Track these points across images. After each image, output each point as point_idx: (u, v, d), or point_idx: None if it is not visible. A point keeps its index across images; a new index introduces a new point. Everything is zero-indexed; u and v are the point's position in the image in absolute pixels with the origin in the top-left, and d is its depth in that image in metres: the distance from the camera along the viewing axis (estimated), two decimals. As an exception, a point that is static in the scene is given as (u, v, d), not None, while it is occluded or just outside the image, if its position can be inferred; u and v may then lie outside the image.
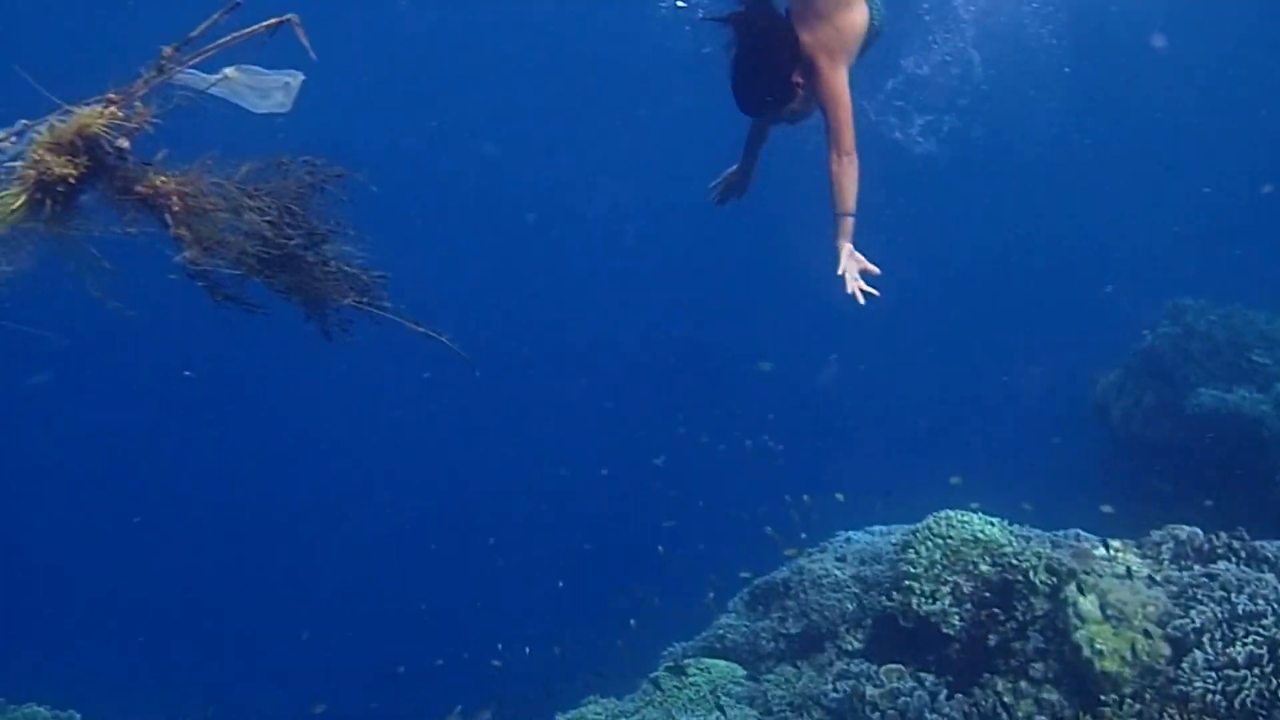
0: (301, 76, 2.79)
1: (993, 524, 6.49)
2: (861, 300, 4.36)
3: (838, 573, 7.54)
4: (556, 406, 23.26)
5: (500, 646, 11.93)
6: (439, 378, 20.60)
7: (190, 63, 2.76)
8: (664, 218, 25.59)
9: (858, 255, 4.50)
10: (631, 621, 10.68)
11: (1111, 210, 26.30)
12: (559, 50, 22.92)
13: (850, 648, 7.17)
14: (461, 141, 25.10)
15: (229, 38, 2.74)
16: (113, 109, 2.84)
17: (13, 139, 3.07)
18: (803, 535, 8.54)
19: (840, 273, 4.44)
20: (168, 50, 2.80)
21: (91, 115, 2.86)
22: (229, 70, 2.78)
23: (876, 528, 8.11)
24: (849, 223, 4.56)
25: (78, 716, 9.32)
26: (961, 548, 6.35)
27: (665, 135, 23.62)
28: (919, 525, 6.62)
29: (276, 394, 23.76)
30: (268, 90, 2.79)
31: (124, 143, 2.84)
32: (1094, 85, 22.81)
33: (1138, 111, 25.01)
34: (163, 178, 2.87)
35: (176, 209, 2.84)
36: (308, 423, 23.70)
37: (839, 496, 9.17)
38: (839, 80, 4.73)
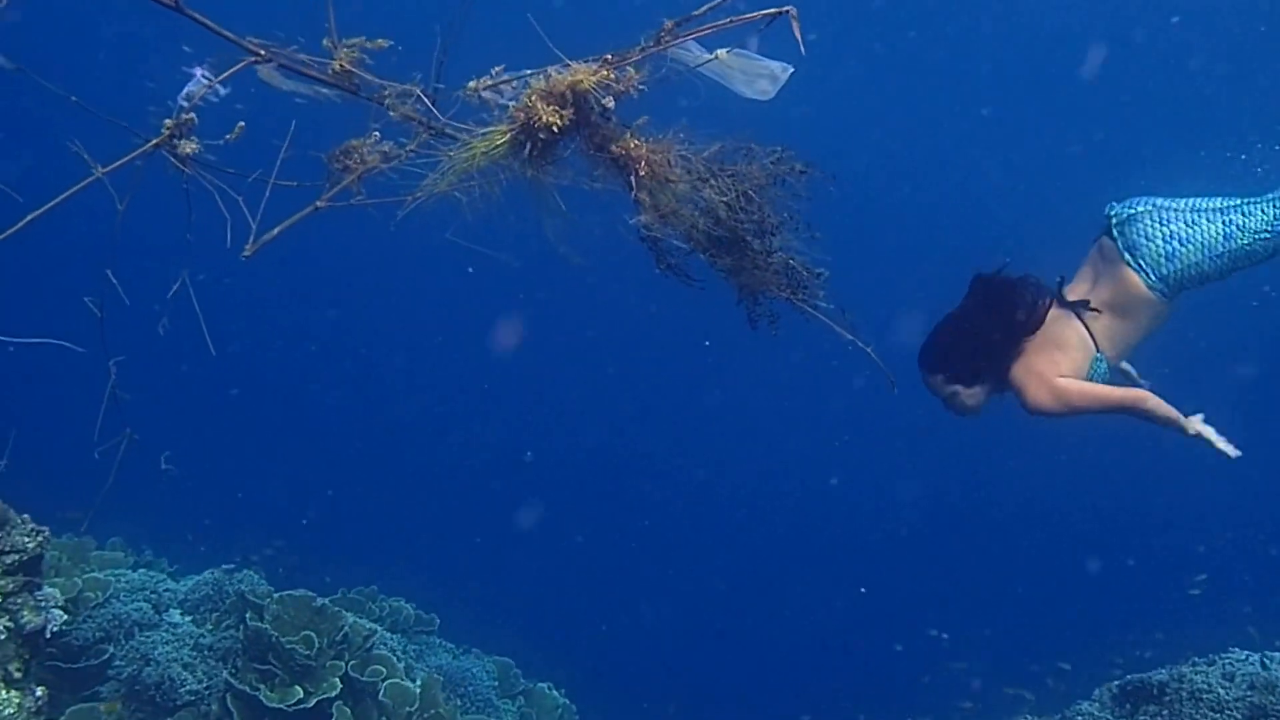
0: (790, 69, 2.80)
1: None
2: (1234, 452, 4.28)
3: (1222, 691, 6.74)
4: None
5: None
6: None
7: (687, 38, 2.85)
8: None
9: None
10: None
11: None
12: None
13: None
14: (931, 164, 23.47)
15: (727, 20, 2.80)
16: (606, 71, 2.99)
17: (515, 82, 3.33)
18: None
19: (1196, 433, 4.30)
20: (668, 24, 2.91)
21: (586, 72, 3.03)
22: (722, 52, 2.84)
23: (1276, 655, 7.17)
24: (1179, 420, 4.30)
25: (437, 620, 10.05)
26: (1368, 703, 5.50)
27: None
28: (1326, 665, 5.79)
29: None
30: (755, 76, 2.82)
31: (610, 103, 2.99)
32: None
33: None
34: (636, 142, 2.99)
35: (643, 173, 2.95)
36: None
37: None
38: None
